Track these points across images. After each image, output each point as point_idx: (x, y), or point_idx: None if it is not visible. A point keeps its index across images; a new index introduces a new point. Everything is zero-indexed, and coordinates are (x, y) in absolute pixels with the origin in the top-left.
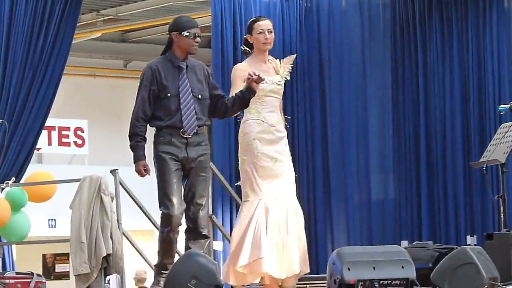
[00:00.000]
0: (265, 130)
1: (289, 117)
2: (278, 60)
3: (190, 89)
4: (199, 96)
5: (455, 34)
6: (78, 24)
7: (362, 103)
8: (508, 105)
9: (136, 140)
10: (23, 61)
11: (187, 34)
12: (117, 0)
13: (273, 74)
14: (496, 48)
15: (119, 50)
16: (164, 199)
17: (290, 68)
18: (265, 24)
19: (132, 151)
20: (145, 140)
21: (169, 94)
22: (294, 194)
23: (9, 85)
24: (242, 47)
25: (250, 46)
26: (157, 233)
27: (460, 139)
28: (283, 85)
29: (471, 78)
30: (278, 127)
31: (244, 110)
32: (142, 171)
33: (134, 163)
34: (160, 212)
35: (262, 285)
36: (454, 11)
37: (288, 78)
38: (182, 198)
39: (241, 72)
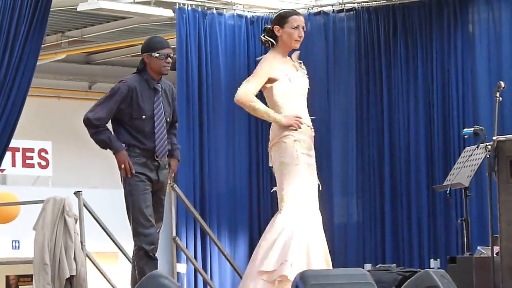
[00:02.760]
0: (305, 131)
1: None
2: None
3: (163, 113)
4: (168, 119)
5: (419, 59)
6: (43, 46)
7: (326, 125)
8: (472, 129)
9: (105, 133)
10: None
11: (157, 55)
12: (82, 21)
13: (300, 70)
14: (460, 73)
15: (84, 71)
16: (142, 217)
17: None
18: (301, 20)
19: (108, 145)
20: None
21: (144, 116)
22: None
23: None
24: (262, 36)
25: (273, 38)
26: (121, 255)
27: (424, 162)
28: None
29: (436, 102)
30: (310, 129)
31: (274, 107)
32: (127, 163)
33: (116, 154)
34: (136, 233)
35: None
36: (419, 35)
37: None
38: None
39: (273, 65)
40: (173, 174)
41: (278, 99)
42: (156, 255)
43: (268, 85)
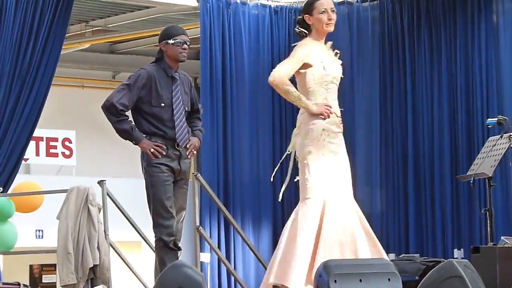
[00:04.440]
0: (333, 122)
1: (342, 109)
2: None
3: (182, 101)
4: (186, 108)
5: (443, 49)
6: (66, 35)
7: (350, 116)
8: (496, 119)
9: (127, 123)
10: (11, 71)
11: (173, 41)
12: (105, 11)
13: (334, 58)
14: (484, 62)
15: (108, 61)
16: (161, 208)
17: None
18: (328, 2)
19: (130, 136)
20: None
21: (163, 104)
22: (351, 196)
23: None
24: (296, 28)
25: (306, 27)
26: (144, 244)
27: (447, 152)
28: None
29: (459, 92)
30: (340, 119)
31: (305, 93)
32: (154, 150)
33: (140, 143)
34: (156, 224)
35: None
36: (443, 25)
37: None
38: None
39: (310, 51)
40: (194, 151)
41: (310, 86)
42: (179, 245)
43: (302, 71)
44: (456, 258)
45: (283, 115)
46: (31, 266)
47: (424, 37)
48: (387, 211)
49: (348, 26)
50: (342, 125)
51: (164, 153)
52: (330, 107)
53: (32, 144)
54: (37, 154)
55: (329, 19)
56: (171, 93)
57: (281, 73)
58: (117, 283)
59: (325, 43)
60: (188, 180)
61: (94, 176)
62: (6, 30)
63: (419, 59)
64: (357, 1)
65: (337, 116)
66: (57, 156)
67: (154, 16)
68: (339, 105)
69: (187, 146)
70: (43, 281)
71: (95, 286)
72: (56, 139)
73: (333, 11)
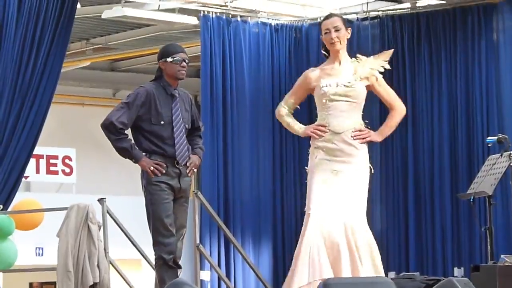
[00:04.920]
0: (328, 138)
1: (367, 121)
2: (369, 57)
3: (182, 118)
4: (187, 126)
5: (443, 66)
6: (67, 53)
7: None
8: (496, 137)
9: (127, 141)
10: (12, 89)
11: (172, 60)
12: (106, 29)
13: (346, 75)
14: (484, 80)
15: (108, 78)
16: (161, 226)
17: (379, 65)
18: (331, 22)
19: (129, 154)
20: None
21: (162, 122)
22: (355, 213)
23: None
24: (322, 51)
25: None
26: (144, 262)
27: (448, 171)
28: (355, 85)
29: (460, 110)
30: (346, 134)
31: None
32: (153, 168)
33: (139, 162)
34: (156, 242)
35: None
36: (443, 43)
37: (370, 75)
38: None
39: (306, 78)
40: (194, 169)
41: (316, 104)
42: (179, 263)
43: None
44: (456, 276)
45: (283, 133)
46: (31, 284)
47: (424, 54)
48: (387, 228)
49: (349, 44)
50: (357, 139)
51: (164, 171)
52: (324, 126)
53: (32, 161)
54: (37, 171)
55: (331, 38)
56: (171, 111)
57: (279, 106)
58: None
59: (337, 60)
60: (189, 198)
61: (94, 194)
62: (6, 47)
63: (419, 76)
64: (357, 19)
65: (337, 133)
66: (57, 174)
67: (155, 34)
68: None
69: (187, 164)
70: None
71: None
72: (56, 157)
73: (337, 30)
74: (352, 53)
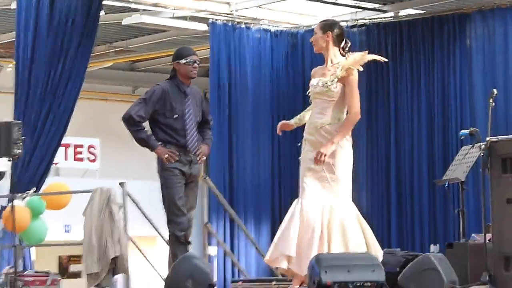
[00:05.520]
0: (311, 132)
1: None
2: (352, 55)
3: (193, 113)
4: (198, 119)
5: (422, 69)
6: (92, 55)
7: None
8: (468, 131)
9: (144, 131)
10: (44, 86)
11: (185, 61)
12: (127, 34)
13: (329, 75)
14: (459, 81)
15: (128, 78)
16: (174, 206)
17: (352, 65)
18: (315, 27)
19: (146, 143)
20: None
21: (176, 116)
22: (334, 196)
23: (31, 107)
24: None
25: None
26: (159, 238)
27: (425, 160)
28: (331, 86)
29: (436, 107)
30: (326, 128)
31: None
32: (168, 155)
33: (155, 150)
34: (169, 221)
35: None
36: (422, 48)
37: (340, 75)
38: None
39: (311, 75)
40: (204, 158)
41: None
42: (190, 240)
43: None
44: (433, 252)
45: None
46: (59, 257)
47: (405, 59)
48: (372, 211)
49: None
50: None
51: (177, 159)
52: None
53: (61, 150)
54: (66, 158)
55: (311, 41)
56: (183, 106)
57: None
58: (135, 273)
59: (326, 62)
60: (198, 183)
61: (115, 179)
62: (39, 50)
63: (401, 79)
64: (347, 27)
65: (316, 128)
66: (83, 161)
67: (170, 38)
68: None
69: (198, 152)
70: (70, 270)
71: (116, 275)
72: (82, 146)
73: (314, 33)
74: None
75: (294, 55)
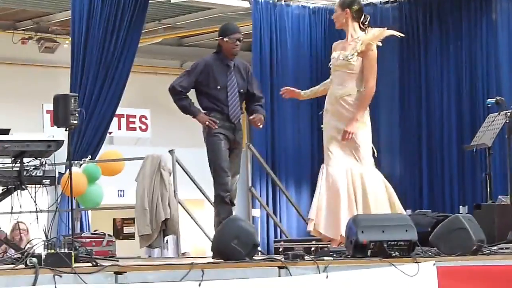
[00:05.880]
0: (332, 102)
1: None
2: (367, 32)
3: (236, 84)
4: (241, 91)
5: (451, 42)
6: (142, 31)
7: (374, 98)
8: (495, 99)
9: (185, 100)
10: (98, 61)
11: (228, 39)
12: (175, 11)
13: (349, 49)
14: (485, 53)
15: (176, 53)
16: (219, 168)
17: (377, 39)
18: (335, 4)
19: (188, 110)
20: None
21: (218, 87)
22: (362, 164)
23: (87, 81)
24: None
25: None
26: (206, 202)
27: (454, 127)
28: (352, 59)
29: (464, 77)
30: (346, 99)
31: None
32: (210, 122)
33: (196, 117)
34: (215, 182)
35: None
36: (451, 22)
37: (366, 49)
38: None
39: (332, 49)
40: (260, 124)
41: None
42: (234, 202)
43: None
44: (462, 213)
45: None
46: (114, 220)
47: (435, 33)
48: (405, 174)
49: (373, 24)
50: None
51: (216, 126)
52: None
53: (115, 120)
54: (119, 128)
55: (332, 18)
56: (226, 78)
57: None
58: (184, 234)
59: (347, 37)
60: (241, 149)
61: (165, 146)
62: (93, 28)
63: (431, 51)
64: (380, 3)
65: (336, 98)
66: (135, 130)
67: (215, 15)
68: None
69: (255, 119)
70: (124, 232)
71: (166, 236)
72: (134, 116)
73: (335, 12)
74: None
75: (331, 31)
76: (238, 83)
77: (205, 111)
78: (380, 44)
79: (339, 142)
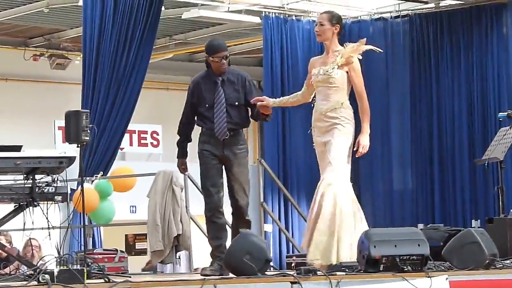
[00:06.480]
0: (317, 118)
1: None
2: (350, 44)
3: (224, 99)
4: (236, 103)
5: (462, 55)
6: (154, 47)
7: (385, 111)
8: (506, 113)
9: (179, 140)
10: (109, 77)
11: (212, 58)
12: (186, 27)
13: (330, 63)
14: (496, 67)
15: (188, 68)
16: (203, 188)
17: (356, 52)
18: (319, 17)
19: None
20: (187, 139)
21: (207, 105)
22: (331, 174)
23: (98, 96)
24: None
25: None
26: None
27: (466, 141)
28: (332, 73)
29: (476, 91)
30: (328, 114)
31: None
32: (180, 168)
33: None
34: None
35: None
36: (461, 36)
37: (346, 62)
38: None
39: (309, 66)
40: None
41: None
42: (245, 216)
43: None
44: (474, 227)
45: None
46: (126, 236)
47: (446, 46)
48: (417, 188)
49: (383, 38)
50: (330, 118)
51: (185, 172)
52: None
53: (126, 136)
54: (131, 144)
55: (315, 31)
56: (213, 95)
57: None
58: (196, 249)
59: (327, 51)
60: (241, 164)
61: (176, 162)
62: (105, 44)
63: (442, 64)
64: (391, 17)
65: (321, 113)
66: (147, 146)
67: (226, 30)
68: (371, 100)
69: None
70: (136, 247)
71: (178, 251)
72: (146, 132)
73: (321, 24)
74: (387, 45)
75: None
76: (230, 96)
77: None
78: (360, 57)
79: (323, 155)
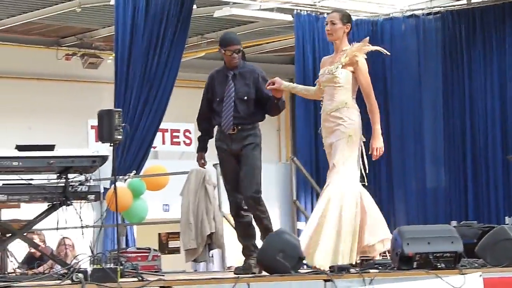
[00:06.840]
0: (324, 118)
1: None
2: (356, 44)
3: (233, 93)
4: (245, 98)
5: (494, 52)
6: (186, 46)
7: (418, 108)
8: None
9: (199, 135)
10: (142, 76)
11: (224, 51)
12: (218, 25)
13: (336, 63)
14: None
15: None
16: (225, 187)
17: (360, 52)
18: (330, 16)
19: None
20: (208, 135)
21: (218, 99)
22: (342, 181)
23: (130, 96)
24: None
25: None
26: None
27: (499, 137)
28: (336, 73)
29: (508, 87)
30: (333, 114)
31: None
32: (198, 162)
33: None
34: None
35: None
36: (494, 32)
37: (350, 62)
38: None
39: (322, 64)
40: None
41: None
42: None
43: None
44: (507, 224)
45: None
46: (159, 234)
47: (478, 42)
48: (450, 185)
49: (416, 35)
50: (334, 119)
51: (203, 167)
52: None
53: (159, 134)
54: (163, 142)
55: (326, 30)
56: (223, 89)
57: None
58: (229, 247)
59: (336, 51)
60: (254, 158)
61: (210, 160)
62: (137, 43)
63: (475, 61)
64: (423, 15)
65: (327, 113)
66: (180, 144)
67: (258, 29)
68: (405, 98)
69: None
70: (169, 246)
71: (211, 250)
72: (178, 131)
73: (332, 23)
74: (419, 42)
75: (373, 43)
76: (240, 91)
77: (201, 150)
78: (365, 56)
79: (330, 157)
